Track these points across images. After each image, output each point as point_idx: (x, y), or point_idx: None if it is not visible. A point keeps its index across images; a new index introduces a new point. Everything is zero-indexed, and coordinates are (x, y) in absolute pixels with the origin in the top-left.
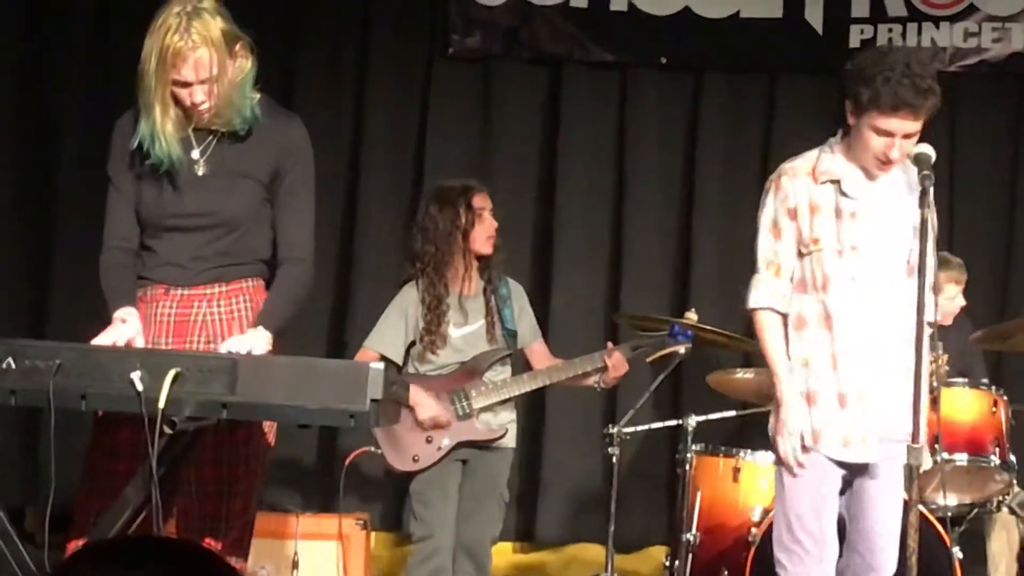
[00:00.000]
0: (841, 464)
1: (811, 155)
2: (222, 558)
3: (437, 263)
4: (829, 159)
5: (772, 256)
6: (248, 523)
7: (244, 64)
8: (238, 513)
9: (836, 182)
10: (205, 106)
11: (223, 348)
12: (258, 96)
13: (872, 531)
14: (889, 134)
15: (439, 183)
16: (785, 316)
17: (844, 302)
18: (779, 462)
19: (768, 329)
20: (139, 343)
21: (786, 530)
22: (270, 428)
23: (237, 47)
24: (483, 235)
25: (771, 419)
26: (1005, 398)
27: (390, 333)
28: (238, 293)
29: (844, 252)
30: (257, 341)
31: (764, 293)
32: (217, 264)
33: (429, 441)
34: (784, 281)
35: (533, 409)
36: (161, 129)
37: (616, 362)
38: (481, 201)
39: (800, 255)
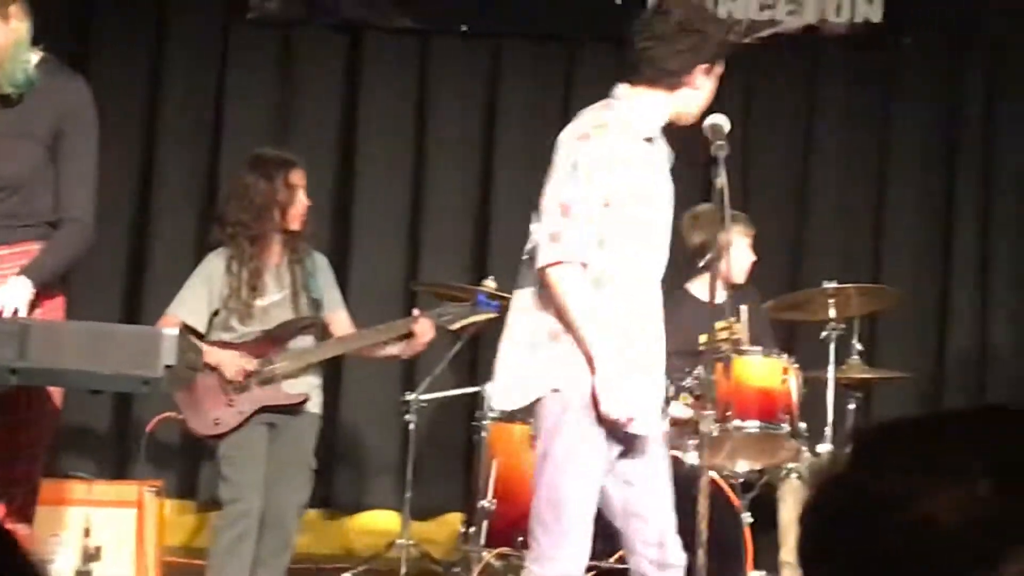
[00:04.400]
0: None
1: None
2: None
3: (249, 234)
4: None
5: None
6: (33, 490)
7: (19, 27)
8: (21, 480)
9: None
10: None
11: None
12: (38, 57)
13: (662, 503)
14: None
15: (259, 151)
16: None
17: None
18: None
19: (576, 285)
20: None
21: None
22: (57, 392)
23: (11, 9)
24: (297, 213)
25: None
26: (796, 366)
27: (193, 300)
28: (23, 255)
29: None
30: (18, 291)
31: (573, 244)
32: (1, 226)
33: (231, 405)
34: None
35: (331, 377)
36: None
37: (423, 328)
38: (298, 178)
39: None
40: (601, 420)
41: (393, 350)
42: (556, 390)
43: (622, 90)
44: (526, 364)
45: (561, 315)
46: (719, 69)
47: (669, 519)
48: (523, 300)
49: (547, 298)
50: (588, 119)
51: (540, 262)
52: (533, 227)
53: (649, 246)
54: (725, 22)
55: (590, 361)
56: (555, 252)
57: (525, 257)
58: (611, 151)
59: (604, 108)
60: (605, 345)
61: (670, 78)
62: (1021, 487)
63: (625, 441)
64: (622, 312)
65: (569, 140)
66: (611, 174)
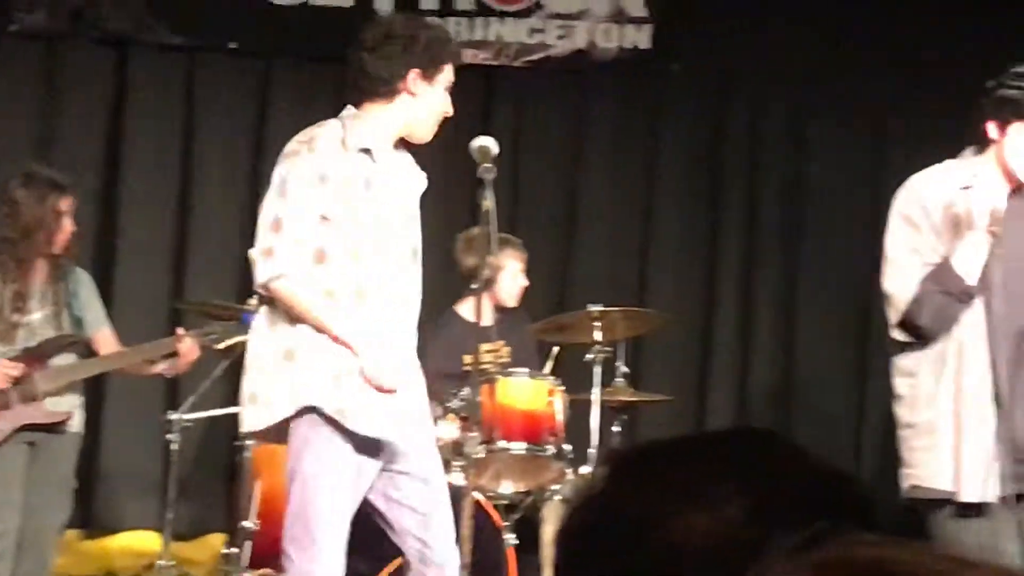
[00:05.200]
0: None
1: None
2: None
3: (15, 254)
4: None
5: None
6: None
7: None
8: None
9: None
10: None
11: None
12: None
13: (433, 515)
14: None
15: (32, 168)
16: None
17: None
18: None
19: (300, 290)
20: None
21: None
22: None
23: None
24: (62, 238)
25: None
26: (562, 388)
27: None
28: None
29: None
30: None
31: (286, 257)
32: None
33: None
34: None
35: (93, 395)
36: None
37: (187, 348)
38: (67, 204)
39: None
40: (349, 434)
41: (157, 369)
42: (300, 408)
43: (345, 111)
44: (268, 384)
45: (304, 320)
46: (444, 77)
47: (442, 530)
48: (257, 322)
49: (275, 317)
50: (297, 136)
51: (257, 280)
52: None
53: (382, 261)
54: (440, 29)
55: (349, 347)
56: (270, 268)
57: None
58: (319, 166)
59: (317, 126)
60: (351, 328)
61: (382, 86)
62: (771, 510)
63: (384, 453)
64: (363, 327)
65: (280, 158)
66: (323, 189)
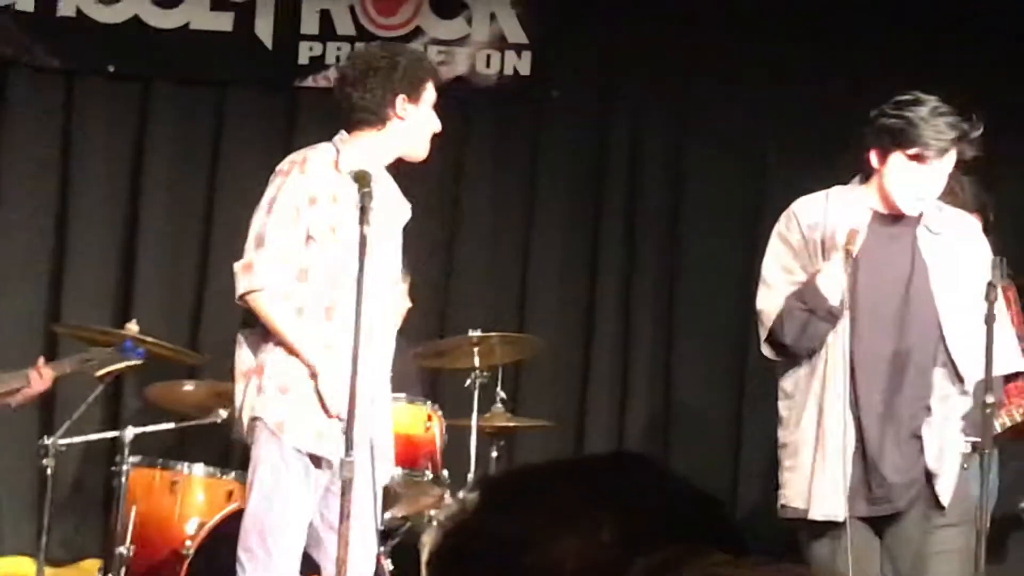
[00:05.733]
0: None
1: None
2: None
3: None
4: None
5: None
6: None
7: None
8: None
9: None
10: None
11: None
12: None
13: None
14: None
15: None
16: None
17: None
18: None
19: (275, 308)
20: None
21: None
22: None
23: None
24: None
25: None
26: (440, 413)
27: None
28: None
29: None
30: None
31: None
32: None
33: None
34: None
35: None
36: None
37: (36, 382)
38: None
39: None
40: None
41: (15, 399)
42: (251, 418)
43: (338, 136)
44: (239, 395)
45: (274, 335)
46: (428, 95)
47: (356, 553)
48: (242, 334)
49: (254, 330)
50: (290, 155)
51: (237, 292)
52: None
53: (358, 283)
54: (415, 50)
55: (310, 368)
56: (247, 282)
57: None
58: (310, 187)
59: (309, 148)
60: (315, 349)
61: (373, 117)
62: (638, 534)
63: (329, 469)
64: (333, 344)
65: (272, 176)
66: (311, 209)
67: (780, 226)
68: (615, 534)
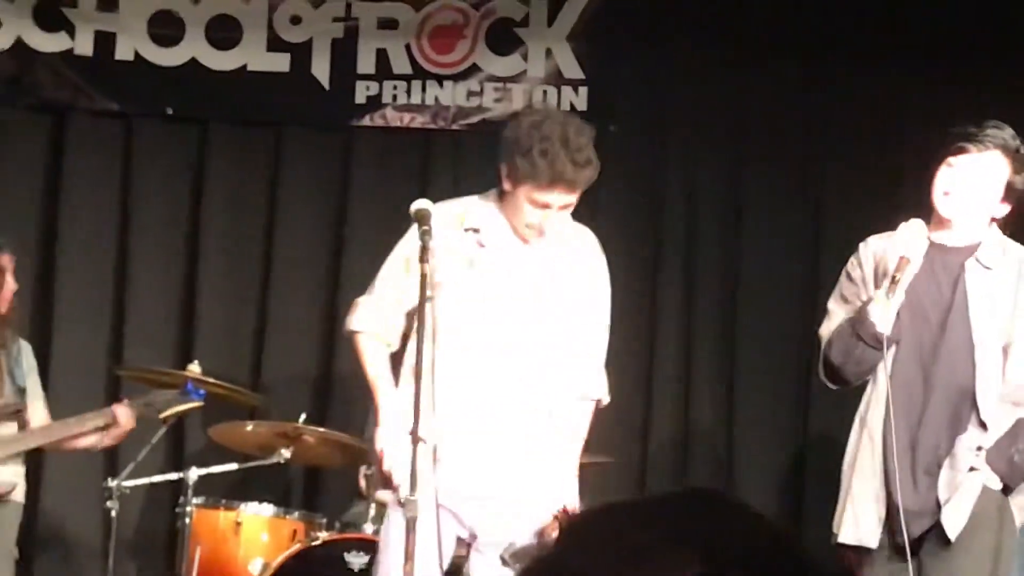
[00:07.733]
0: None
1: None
2: None
3: None
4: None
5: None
6: None
7: None
8: None
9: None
10: None
11: None
12: None
13: None
14: (546, 206)
15: None
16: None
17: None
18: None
19: (366, 350)
20: None
21: None
22: None
23: None
24: (4, 297)
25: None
26: None
27: None
28: None
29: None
30: None
31: (364, 315)
32: None
33: None
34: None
35: (31, 461)
36: None
37: (123, 419)
38: (6, 261)
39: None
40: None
41: (88, 441)
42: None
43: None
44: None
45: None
46: (528, 190)
47: None
48: None
49: None
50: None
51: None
52: None
53: (479, 326)
54: (533, 135)
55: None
56: (349, 321)
57: None
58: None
59: (452, 199)
60: (391, 404)
61: (497, 181)
62: (725, 572)
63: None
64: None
65: None
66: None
67: (850, 260)
68: (701, 572)
